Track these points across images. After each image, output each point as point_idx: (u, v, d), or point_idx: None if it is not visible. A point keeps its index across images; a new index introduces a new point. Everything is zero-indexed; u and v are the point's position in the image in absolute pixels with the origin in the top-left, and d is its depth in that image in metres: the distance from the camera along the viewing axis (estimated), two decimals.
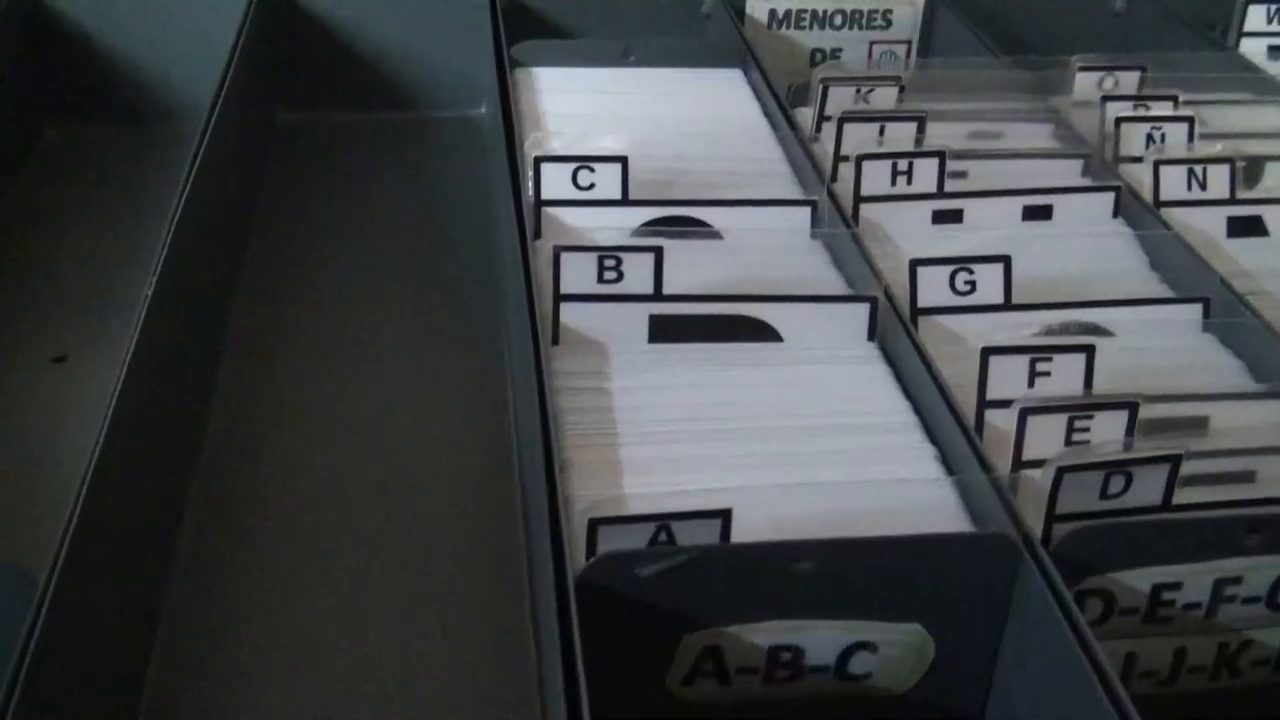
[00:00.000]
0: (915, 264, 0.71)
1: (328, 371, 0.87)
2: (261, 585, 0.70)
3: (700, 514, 0.52)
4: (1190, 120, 0.88)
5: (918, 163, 0.81)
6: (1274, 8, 1.07)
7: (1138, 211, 0.82)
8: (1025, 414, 0.59)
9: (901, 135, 0.85)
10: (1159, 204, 0.83)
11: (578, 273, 0.69)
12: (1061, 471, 0.55)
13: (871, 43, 1.16)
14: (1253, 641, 0.59)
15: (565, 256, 0.68)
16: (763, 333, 0.71)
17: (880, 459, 0.63)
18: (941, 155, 0.81)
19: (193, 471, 0.78)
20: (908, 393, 0.67)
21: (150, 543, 0.70)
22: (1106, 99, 0.90)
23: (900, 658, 0.56)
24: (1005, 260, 0.71)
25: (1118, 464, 0.55)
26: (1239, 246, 0.84)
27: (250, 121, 1.05)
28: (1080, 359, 0.63)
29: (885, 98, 0.89)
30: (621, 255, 0.69)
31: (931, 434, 0.64)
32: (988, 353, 0.63)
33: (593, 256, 0.68)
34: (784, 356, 0.70)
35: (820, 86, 0.89)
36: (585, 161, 0.79)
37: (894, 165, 0.81)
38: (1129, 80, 0.94)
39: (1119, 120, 0.88)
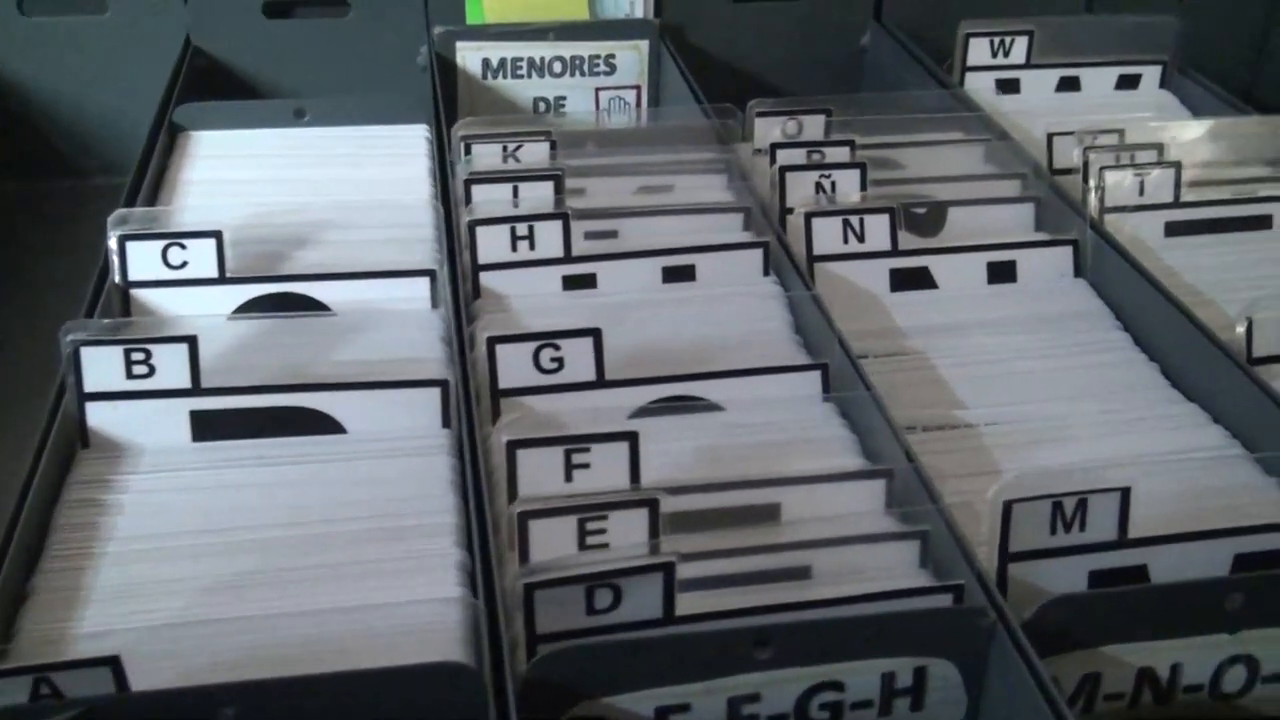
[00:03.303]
0: (493, 342, 0.65)
1: None
2: None
3: (84, 663, 0.45)
4: (862, 167, 0.82)
5: (540, 225, 0.75)
6: (997, 40, 1.02)
7: (789, 269, 0.77)
8: (525, 518, 0.52)
9: (539, 195, 0.79)
10: (813, 259, 0.77)
11: (102, 368, 0.62)
12: (530, 589, 0.49)
13: (598, 89, 1.09)
14: None
15: (85, 351, 0.62)
16: (324, 425, 0.64)
17: (405, 571, 0.56)
18: (565, 216, 0.75)
19: None
20: (464, 490, 0.61)
21: None
22: (777, 146, 0.84)
23: None
24: (595, 333, 0.65)
25: (598, 576, 0.49)
26: (902, 301, 0.78)
27: None
28: (623, 448, 0.57)
29: (535, 154, 0.83)
30: (151, 348, 0.62)
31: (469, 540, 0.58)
32: (514, 446, 0.56)
33: (118, 350, 0.62)
34: (342, 450, 0.63)
35: (461, 144, 0.83)
36: (175, 238, 0.73)
37: (513, 229, 0.74)
38: (814, 124, 0.88)
39: (783, 169, 0.82)
